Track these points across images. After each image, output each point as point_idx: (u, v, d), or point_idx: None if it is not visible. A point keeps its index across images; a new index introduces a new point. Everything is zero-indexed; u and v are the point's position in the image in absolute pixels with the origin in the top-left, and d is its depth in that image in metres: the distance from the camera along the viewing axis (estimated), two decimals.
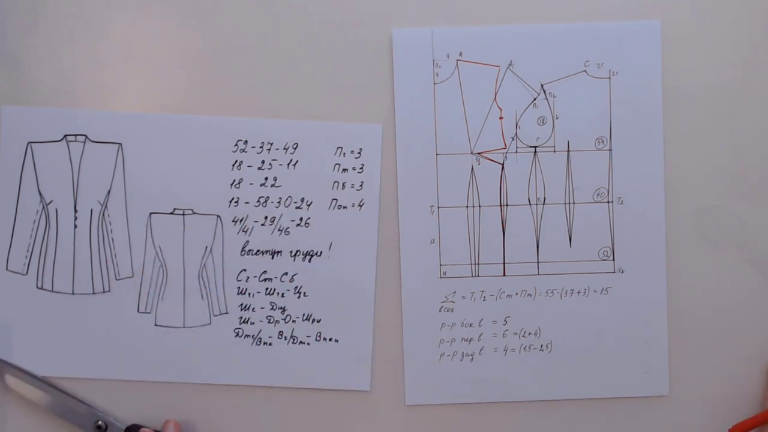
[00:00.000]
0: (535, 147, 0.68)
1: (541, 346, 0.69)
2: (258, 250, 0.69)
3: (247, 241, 0.68)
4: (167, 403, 0.69)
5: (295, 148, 0.68)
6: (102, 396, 0.69)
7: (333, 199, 0.68)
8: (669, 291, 0.68)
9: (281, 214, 0.68)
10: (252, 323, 0.69)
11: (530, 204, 0.68)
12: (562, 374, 0.68)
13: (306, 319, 0.69)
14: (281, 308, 0.69)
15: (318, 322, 0.69)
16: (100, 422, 0.67)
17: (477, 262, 0.68)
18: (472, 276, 0.68)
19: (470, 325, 0.68)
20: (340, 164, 0.68)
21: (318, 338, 0.69)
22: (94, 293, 0.69)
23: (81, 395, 0.68)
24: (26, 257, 0.68)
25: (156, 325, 0.69)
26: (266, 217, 0.68)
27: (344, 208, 0.68)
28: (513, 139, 0.67)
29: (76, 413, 0.67)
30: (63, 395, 0.68)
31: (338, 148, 0.68)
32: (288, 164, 0.68)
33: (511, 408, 0.69)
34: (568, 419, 0.69)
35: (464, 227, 0.68)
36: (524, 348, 0.69)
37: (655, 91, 0.67)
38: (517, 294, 0.68)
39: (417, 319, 0.68)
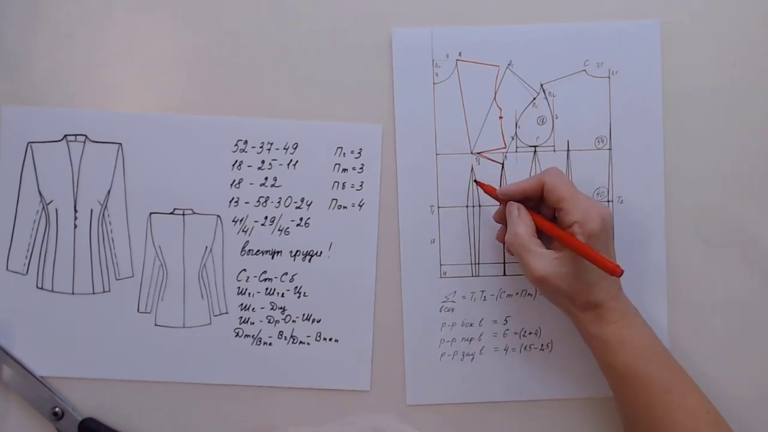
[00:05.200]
0: (535, 146, 0.68)
1: (542, 345, 0.69)
2: (258, 250, 0.69)
3: (247, 241, 0.68)
4: (167, 403, 0.69)
5: (295, 148, 0.68)
6: (101, 396, 0.69)
7: (333, 199, 0.68)
8: (669, 290, 0.68)
9: (281, 214, 0.68)
10: (252, 323, 0.69)
11: None
12: (563, 374, 0.68)
13: (306, 319, 0.69)
14: (281, 308, 0.69)
15: (318, 322, 0.69)
16: (57, 408, 0.67)
17: (477, 261, 0.68)
18: (473, 276, 0.68)
19: (470, 325, 0.68)
20: (340, 164, 0.68)
21: (318, 338, 0.69)
22: (94, 293, 0.69)
23: (77, 394, 0.69)
24: (26, 257, 0.68)
25: (156, 325, 0.69)
26: (266, 217, 0.68)
27: (344, 208, 0.68)
28: (513, 139, 0.68)
29: (37, 396, 0.67)
30: (29, 375, 0.68)
31: (338, 148, 0.68)
32: (288, 164, 0.68)
33: (511, 408, 0.69)
34: (568, 419, 0.69)
35: (464, 227, 0.68)
36: (524, 348, 0.69)
37: (655, 91, 0.67)
38: (517, 294, 0.68)
39: (417, 319, 0.68)
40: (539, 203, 0.63)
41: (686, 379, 0.60)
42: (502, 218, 0.64)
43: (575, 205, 0.59)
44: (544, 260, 0.59)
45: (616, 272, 0.56)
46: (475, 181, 0.66)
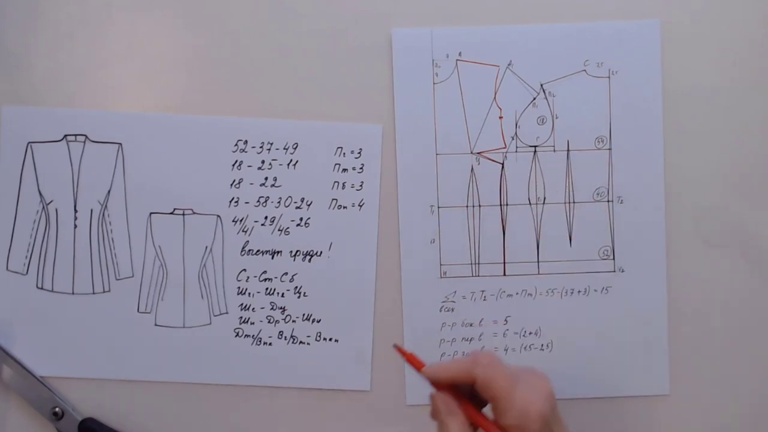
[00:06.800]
0: (535, 146, 0.68)
1: (542, 345, 0.69)
2: (258, 250, 0.69)
3: (247, 241, 0.68)
4: (167, 403, 0.69)
5: (295, 148, 0.68)
6: (101, 396, 0.69)
7: (333, 199, 0.68)
8: (669, 290, 0.68)
9: (281, 214, 0.68)
10: (252, 323, 0.69)
11: (530, 203, 0.68)
12: (562, 374, 0.68)
13: (306, 319, 0.69)
14: (281, 308, 0.69)
15: (318, 322, 0.69)
16: (57, 409, 0.67)
17: (477, 261, 0.68)
18: (473, 276, 0.68)
19: (471, 325, 0.68)
20: (340, 164, 0.68)
21: (318, 338, 0.69)
22: (94, 293, 0.69)
23: (77, 394, 0.69)
24: (26, 257, 0.68)
25: (156, 325, 0.69)
26: (266, 217, 0.68)
27: (344, 208, 0.68)
28: (513, 139, 0.68)
29: (37, 396, 0.67)
30: (29, 375, 0.68)
31: (338, 148, 0.68)
32: (288, 164, 0.68)
33: None
34: (568, 419, 0.68)
35: (464, 227, 0.68)
36: (524, 348, 0.69)
37: (655, 91, 0.67)
38: (517, 294, 0.68)
39: (417, 319, 0.68)
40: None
41: None
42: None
43: (510, 405, 0.51)
44: None
45: None
46: (395, 345, 0.57)
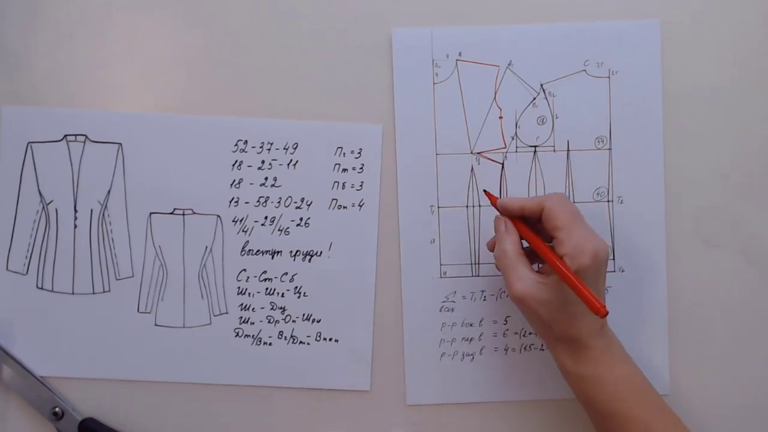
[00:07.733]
0: (535, 146, 0.68)
1: (542, 345, 0.69)
2: (258, 250, 0.69)
3: (247, 241, 0.68)
4: (167, 403, 0.69)
5: (295, 148, 0.68)
6: (101, 396, 0.69)
7: (333, 199, 0.68)
8: (669, 290, 0.68)
9: (281, 214, 0.68)
10: (252, 323, 0.69)
11: None
12: None
13: (306, 319, 0.69)
14: (281, 308, 0.69)
15: (318, 322, 0.69)
16: (57, 409, 0.67)
17: (477, 261, 0.68)
18: (473, 276, 0.68)
19: (470, 325, 0.68)
20: (340, 164, 0.68)
21: (318, 338, 0.69)
22: (94, 293, 0.69)
23: (77, 394, 0.69)
24: (26, 257, 0.69)
25: (156, 325, 0.69)
26: (266, 217, 0.68)
27: (344, 208, 0.68)
28: (513, 139, 0.68)
29: (37, 396, 0.68)
30: (29, 375, 0.68)
31: (338, 148, 0.68)
32: (288, 164, 0.68)
33: (511, 408, 0.69)
34: (568, 419, 0.69)
35: (464, 227, 0.68)
36: (524, 347, 0.69)
37: (655, 91, 0.67)
38: None
39: (417, 319, 0.68)
40: (538, 223, 0.60)
41: (668, 416, 0.58)
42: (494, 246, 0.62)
43: (569, 236, 0.56)
44: (528, 282, 0.57)
45: (601, 312, 0.53)
46: (485, 190, 0.65)
